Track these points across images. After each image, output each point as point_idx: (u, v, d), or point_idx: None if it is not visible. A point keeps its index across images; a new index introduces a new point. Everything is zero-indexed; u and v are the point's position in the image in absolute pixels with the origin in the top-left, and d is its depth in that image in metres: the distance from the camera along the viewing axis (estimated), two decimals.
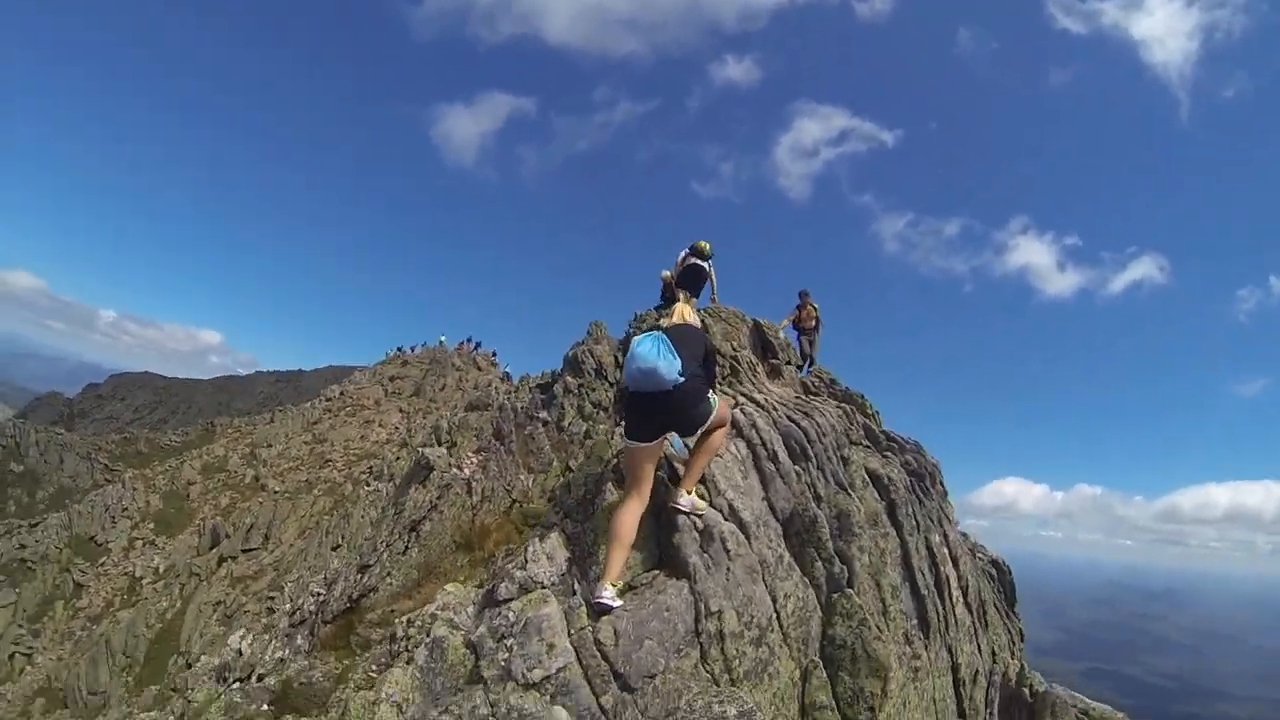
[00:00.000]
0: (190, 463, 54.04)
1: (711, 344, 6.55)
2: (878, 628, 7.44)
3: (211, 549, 42.41)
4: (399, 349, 70.08)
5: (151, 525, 46.46)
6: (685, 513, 6.14)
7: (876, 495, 8.66)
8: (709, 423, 6.02)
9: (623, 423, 6.11)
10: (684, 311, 6.69)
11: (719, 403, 6.14)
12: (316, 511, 43.82)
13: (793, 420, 8.20)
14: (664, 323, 6.41)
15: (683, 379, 5.59)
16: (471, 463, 14.21)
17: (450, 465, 14.31)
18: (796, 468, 7.58)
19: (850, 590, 7.26)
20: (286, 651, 11.54)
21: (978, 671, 9.53)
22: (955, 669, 8.95)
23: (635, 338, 5.87)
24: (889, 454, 9.99)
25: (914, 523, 8.88)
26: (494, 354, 67.29)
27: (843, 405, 10.54)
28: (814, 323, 18.40)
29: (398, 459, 42.27)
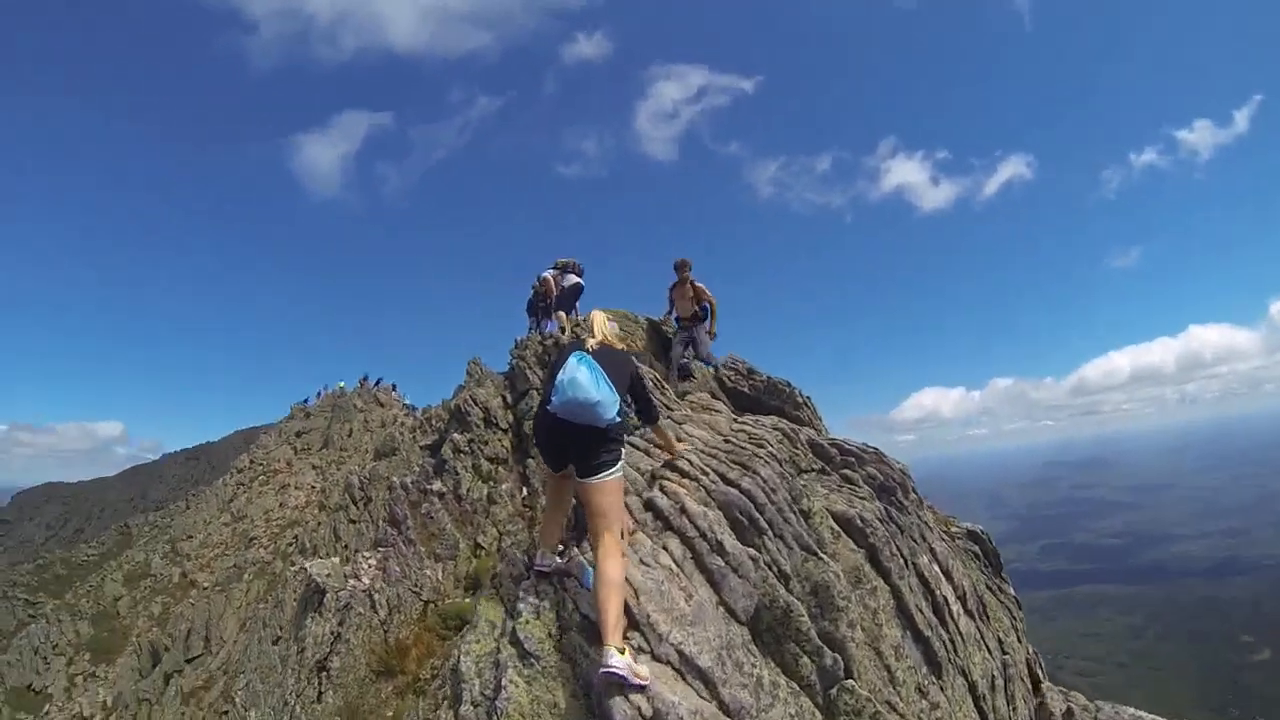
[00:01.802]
0: (111, 576, 49.64)
1: (638, 369, 6.02)
2: (889, 706, 5.90)
3: (154, 668, 38.23)
4: (304, 401, 67.15)
5: (88, 656, 41.99)
6: (621, 678, 4.40)
7: (853, 544, 6.96)
8: (602, 485, 5.14)
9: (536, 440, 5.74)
10: (604, 327, 6.16)
11: (620, 477, 5.30)
12: (251, 599, 40.73)
13: (730, 483, 6.38)
14: (590, 342, 5.83)
15: (617, 421, 5.20)
16: (369, 568, 12.15)
17: (345, 578, 12.17)
18: (750, 550, 5.77)
19: (850, 681, 5.61)
20: None
21: (994, 676, 8.19)
22: (973, 688, 7.57)
23: (572, 355, 5.36)
24: (848, 471, 8.35)
25: (901, 559, 7.26)
26: (394, 386, 64.62)
27: (780, 423, 8.80)
28: (698, 308, 13.79)
29: (319, 525, 39.63)
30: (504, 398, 14.74)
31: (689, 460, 6.63)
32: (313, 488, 50.97)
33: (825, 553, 6.44)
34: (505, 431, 14.18)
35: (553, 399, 5.25)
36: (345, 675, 10.48)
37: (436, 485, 13.12)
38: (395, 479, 14.00)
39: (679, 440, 7.40)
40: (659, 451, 7.10)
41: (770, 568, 5.83)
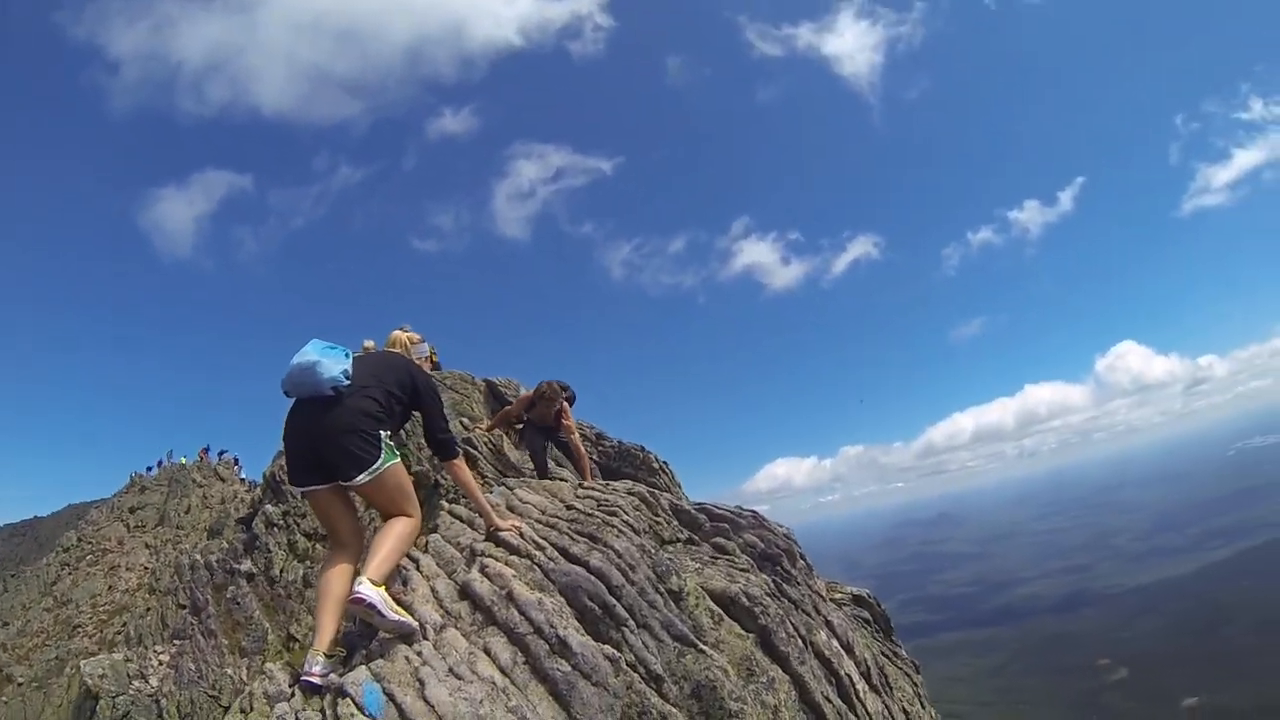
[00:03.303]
0: None
1: (425, 380, 5.21)
2: None
3: None
4: (147, 469, 61.90)
5: None
6: (371, 605, 3.91)
7: (740, 628, 5.35)
8: (375, 482, 4.41)
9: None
10: (401, 339, 5.78)
11: (395, 465, 4.56)
12: (72, 698, 36.23)
13: (575, 560, 4.78)
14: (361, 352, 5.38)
15: (348, 385, 4.48)
16: (159, 665, 10.04)
17: (128, 679, 9.94)
18: (606, 648, 4.19)
19: None
20: None
21: None
22: None
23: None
24: (721, 540, 6.76)
25: (799, 639, 5.76)
26: (236, 460, 60.18)
27: (636, 487, 7.04)
28: (556, 423, 9.92)
29: (148, 611, 35.92)
30: None
31: (519, 531, 5.01)
32: (145, 569, 46.60)
33: (705, 642, 4.86)
34: None
35: (284, 386, 4.63)
36: None
37: (245, 565, 11.06)
38: (198, 557, 11.69)
39: (510, 509, 5.84)
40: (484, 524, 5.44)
41: (635, 669, 4.24)
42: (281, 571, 11.06)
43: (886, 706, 7.26)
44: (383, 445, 4.50)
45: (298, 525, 11.55)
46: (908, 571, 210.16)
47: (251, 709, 3.94)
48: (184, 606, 19.37)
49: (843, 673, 6.30)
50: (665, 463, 11.75)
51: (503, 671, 3.84)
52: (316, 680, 3.89)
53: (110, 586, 46.08)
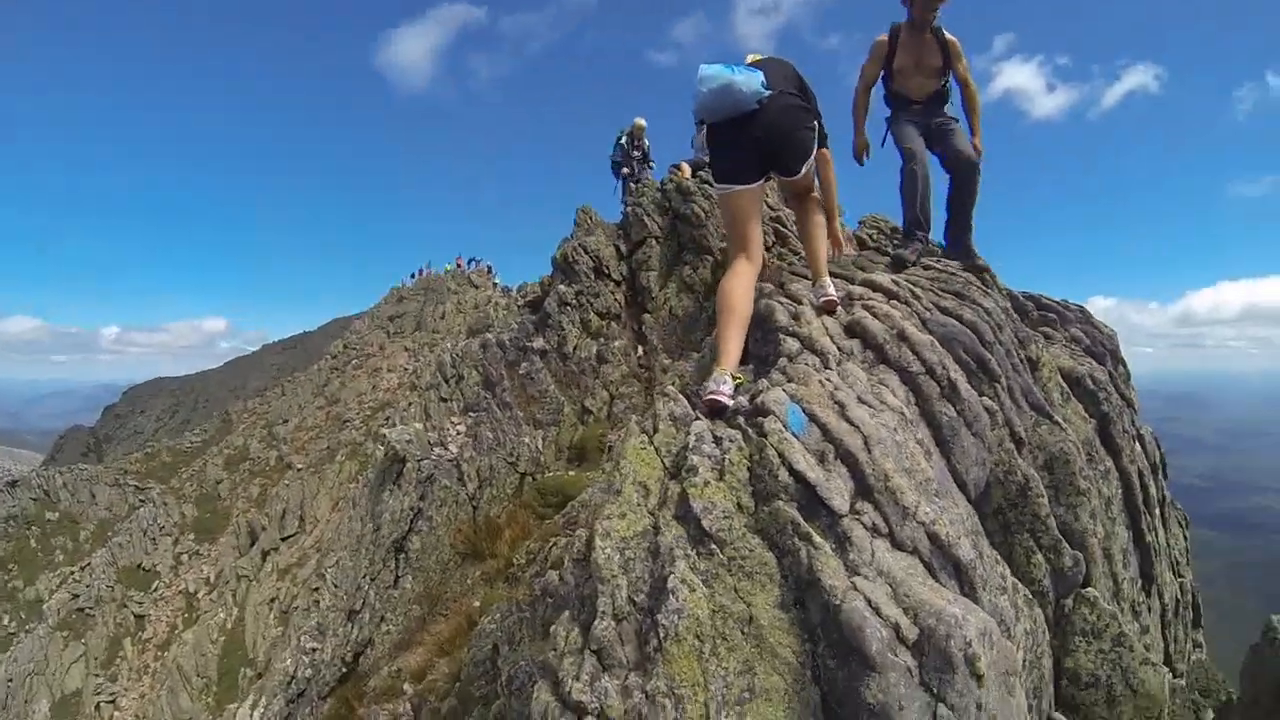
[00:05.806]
0: (213, 461, 52.78)
1: (807, 80, 4.83)
2: (1135, 636, 4.43)
3: (252, 546, 41.89)
4: (409, 277, 67.47)
5: (192, 536, 45.72)
6: (827, 299, 4.69)
7: (1084, 411, 5.36)
8: (810, 171, 4.69)
9: (710, 163, 5.09)
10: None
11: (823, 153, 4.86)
12: (343, 480, 42.51)
13: (949, 314, 4.76)
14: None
15: (769, 92, 4.27)
16: (458, 435, 10.74)
17: (430, 446, 10.60)
18: (985, 400, 4.31)
19: (1090, 590, 4.31)
20: None
21: (1176, 600, 6.57)
22: (1164, 612, 5.95)
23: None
24: (1047, 329, 6.43)
25: (1131, 438, 5.72)
26: (489, 268, 64.17)
27: (965, 266, 6.59)
28: (941, 84, 6.53)
29: (409, 405, 40.15)
30: (617, 248, 12.72)
31: (893, 279, 5.06)
32: (405, 369, 52.45)
33: (1058, 416, 4.90)
34: (619, 284, 12.34)
35: (700, 114, 4.49)
36: (426, 557, 9.27)
37: (538, 342, 11.61)
38: (490, 336, 12.44)
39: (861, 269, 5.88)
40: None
41: (1005, 426, 4.35)
42: (575, 348, 11.57)
43: (1169, 544, 7.00)
44: (816, 132, 4.65)
45: (590, 304, 11.87)
46: None
47: (656, 430, 3.73)
48: (446, 400, 21.09)
49: (1151, 490, 6.14)
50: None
51: (901, 412, 3.82)
52: (725, 400, 3.66)
53: (374, 386, 51.87)
